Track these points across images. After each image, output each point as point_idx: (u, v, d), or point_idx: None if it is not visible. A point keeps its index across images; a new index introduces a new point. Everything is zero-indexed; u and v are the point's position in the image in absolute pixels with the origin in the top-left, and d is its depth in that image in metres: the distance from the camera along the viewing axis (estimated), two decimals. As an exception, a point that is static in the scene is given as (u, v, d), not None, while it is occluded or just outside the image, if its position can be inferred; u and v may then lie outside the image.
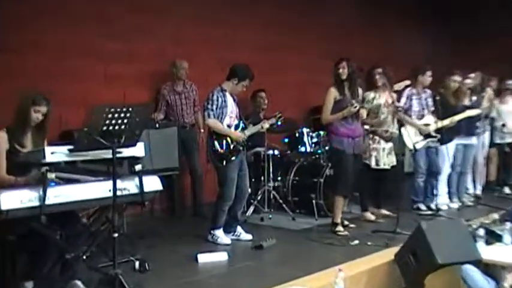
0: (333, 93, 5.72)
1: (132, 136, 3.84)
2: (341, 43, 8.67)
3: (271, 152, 6.91)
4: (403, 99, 6.69)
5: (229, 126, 5.45)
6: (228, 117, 5.44)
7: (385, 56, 8.26)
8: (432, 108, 6.72)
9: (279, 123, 6.07)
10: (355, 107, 5.60)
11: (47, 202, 3.41)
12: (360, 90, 5.84)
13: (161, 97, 6.73)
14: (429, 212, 6.71)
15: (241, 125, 5.57)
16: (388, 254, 4.77)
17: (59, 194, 3.50)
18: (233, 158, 5.40)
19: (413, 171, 6.92)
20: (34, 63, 5.84)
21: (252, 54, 7.52)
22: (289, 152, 7.25)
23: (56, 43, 6.05)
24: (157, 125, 5.82)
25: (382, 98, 6.28)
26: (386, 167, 6.28)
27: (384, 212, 6.56)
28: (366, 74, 6.21)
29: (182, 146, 6.33)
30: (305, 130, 7.11)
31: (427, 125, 6.62)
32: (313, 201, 6.55)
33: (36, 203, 3.39)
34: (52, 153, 3.54)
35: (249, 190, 5.82)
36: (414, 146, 6.53)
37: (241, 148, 5.47)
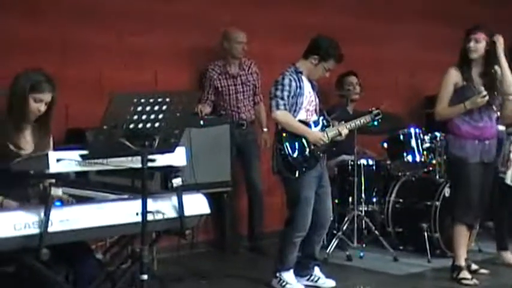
0: (454, 77, 5.67)
1: (169, 138, 3.82)
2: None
3: (363, 161, 6.91)
4: None
5: (305, 123, 5.45)
6: (303, 111, 5.46)
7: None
8: None
9: (376, 123, 6.03)
10: (484, 96, 5.51)
11: (50, 229, 3.39)
12: (499, 71, 5.64)
13: (207, 82, 6.79)
14: None
15: (322, 121, 5.57)
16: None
17: (67, 218, 3.47)
18: (309, 168, 5.39)
19: None
20: (24, 30, 5.93)
21: (338, 19, 7.54)
22: (389, 162, 7.22)
23: (54, 4, 6.16)
24: (202, 122, 5.87)
25: None
26: (537, 184, 6.15)
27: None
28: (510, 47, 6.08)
29: (237, 151, 6.43)
30: (414, 131, 7.06)
31: None
32: (425, 234, 6.51)
33: (35, 230, 3.36)
34: (58, 160, 3.51)
35: (332, 216, 5.81)
36: None
37: (321, 155, 5.47)
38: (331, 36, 5.56)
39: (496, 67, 5.58)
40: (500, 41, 5.57)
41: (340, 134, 5.60)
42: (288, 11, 7.48)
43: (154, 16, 6.69)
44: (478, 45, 5.57)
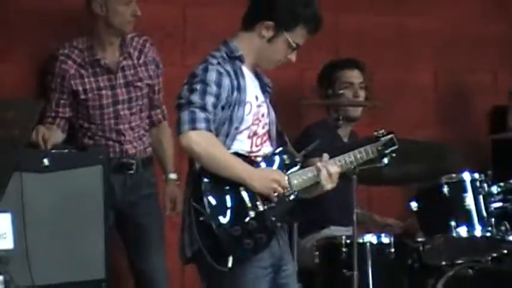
0: None
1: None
2: None
3: (371, 238, 7.01)
4: None
5: (248, 161, 5.48)
6: (244, 135, 5.48)
7: None
8: None
9: (386, 160, 6.03)
10: None
11: None
12: None
13: (58, 81, 6.80)
14: None
15: (281, 157, 5.57)
16: None
17: None
18: (255, 251, 5.42)
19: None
20: None
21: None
22: (423, 239, 7.27)
23: None
24: (46, 162, 5.87)
25: None
26: None
27: None
28: None
29: (118, 220, 6.50)
30: (470, 177, 7.21)
31: None
32: None
33: None
34: None
35: None
36: None
37: (278, 224, 5.50)
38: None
39: None
40: None
41: (317, 181, 5.65)
42: None
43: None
44: None
